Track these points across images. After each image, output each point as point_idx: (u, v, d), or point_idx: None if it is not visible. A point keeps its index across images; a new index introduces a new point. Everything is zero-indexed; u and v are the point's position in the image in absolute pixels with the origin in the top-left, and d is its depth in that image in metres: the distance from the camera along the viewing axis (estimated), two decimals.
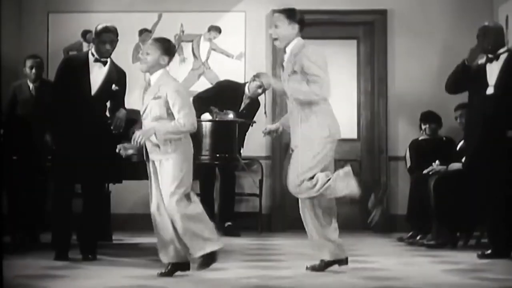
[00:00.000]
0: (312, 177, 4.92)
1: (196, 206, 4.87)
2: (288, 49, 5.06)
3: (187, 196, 4.84)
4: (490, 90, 6.06)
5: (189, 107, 4.89)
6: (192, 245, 4.86)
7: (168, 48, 4.99)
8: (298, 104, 5.01)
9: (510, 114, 5.98)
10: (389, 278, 4.88)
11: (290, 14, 5.05)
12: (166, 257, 4.95)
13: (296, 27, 5.04)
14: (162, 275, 4.88)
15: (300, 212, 5.16)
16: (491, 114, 6.00)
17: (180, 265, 4.95)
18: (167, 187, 4.81)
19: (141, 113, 4.98)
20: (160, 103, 4.86)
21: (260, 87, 7.81)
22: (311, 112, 5.00)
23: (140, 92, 5.07)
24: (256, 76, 7.85)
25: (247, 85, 7.96)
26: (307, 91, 4.92)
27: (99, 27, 5.89)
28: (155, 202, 4.91)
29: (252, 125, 7.86)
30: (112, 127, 5.86)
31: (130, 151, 5.52)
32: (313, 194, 4.95)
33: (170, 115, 4.84)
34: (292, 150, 5.10)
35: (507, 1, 8.05)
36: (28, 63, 7.18)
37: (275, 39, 5.08)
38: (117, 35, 5.90)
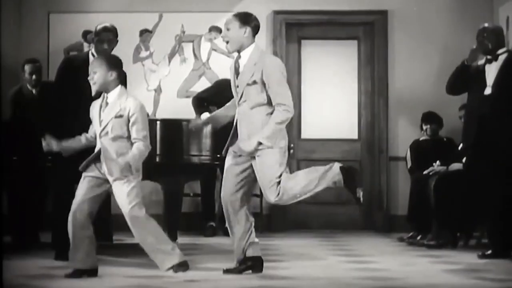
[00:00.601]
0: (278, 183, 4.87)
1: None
2: (245, 55, 4.95)
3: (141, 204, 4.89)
4: (488, 91, 6.07)
5: (147, 129, 4.88)
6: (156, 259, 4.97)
7: (112, 63, 4.93)
8: (257, 111, 4.90)
9: (507, 114, 5.98)
10: (390, 278, 4.88)
11: (242, 17, 4.95)
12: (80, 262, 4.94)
13: (248, 31, 4.93)
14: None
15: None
16: (488, 114, 6.00)
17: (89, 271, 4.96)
18: (127, 202, 4.83)
19: (98, 131, 4.90)
20: (122, 122, 4.82)
21: None
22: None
23: (95, 109, 4.98)
24: None
25: None
26: (279, 117, 4.83)
27: (99, 26, 5.89)
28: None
29: None
30: None
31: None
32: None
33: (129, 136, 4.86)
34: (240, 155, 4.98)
35: (508, 1, 8.05)
36: (28, 68, 7.05)
37: (226, 42, 5.03)
38: (116, 34, 5.89)
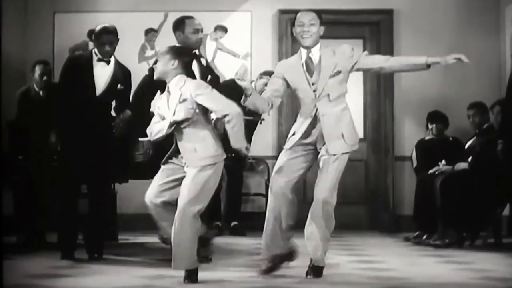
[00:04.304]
0: None
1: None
2: (315, 50, 5.28)
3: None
4: None
5: (222, 97, 4.95)
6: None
7: (176, 52, 4.87)
8: (341, 107, 5.22)
9: None
10: (395, 278, 4.88)
11: (320, 17, 5.20)
12: None
13: (322, 29, 5.26)
14: None
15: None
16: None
17: None
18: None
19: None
20: (187, 105, 4.71)
21: (267, 84, 7.81)
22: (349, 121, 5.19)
23: (162, 104, 4.85)
24: (263, 74, 7.87)
25: (253, 83, 7.97)
26: None
27: (98, 28, 5.86)
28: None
29: (260, 123, 7.87)
30: (114, 130, 5.84)
31: None
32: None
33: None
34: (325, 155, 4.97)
35: None
36: (38, 69, 7.00)
37: (309, 36, 5.25)
38: (116, 35, 5.86)
